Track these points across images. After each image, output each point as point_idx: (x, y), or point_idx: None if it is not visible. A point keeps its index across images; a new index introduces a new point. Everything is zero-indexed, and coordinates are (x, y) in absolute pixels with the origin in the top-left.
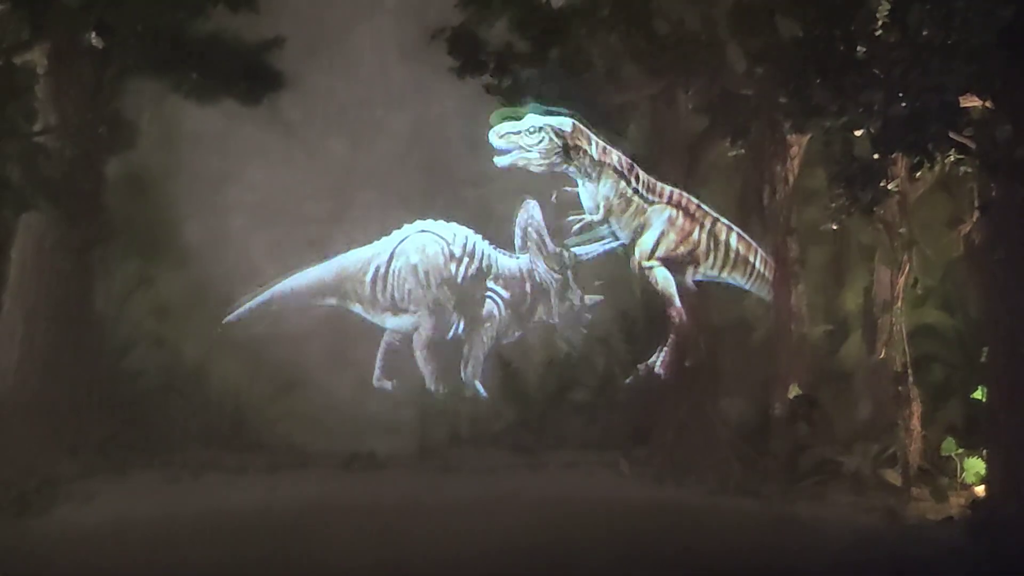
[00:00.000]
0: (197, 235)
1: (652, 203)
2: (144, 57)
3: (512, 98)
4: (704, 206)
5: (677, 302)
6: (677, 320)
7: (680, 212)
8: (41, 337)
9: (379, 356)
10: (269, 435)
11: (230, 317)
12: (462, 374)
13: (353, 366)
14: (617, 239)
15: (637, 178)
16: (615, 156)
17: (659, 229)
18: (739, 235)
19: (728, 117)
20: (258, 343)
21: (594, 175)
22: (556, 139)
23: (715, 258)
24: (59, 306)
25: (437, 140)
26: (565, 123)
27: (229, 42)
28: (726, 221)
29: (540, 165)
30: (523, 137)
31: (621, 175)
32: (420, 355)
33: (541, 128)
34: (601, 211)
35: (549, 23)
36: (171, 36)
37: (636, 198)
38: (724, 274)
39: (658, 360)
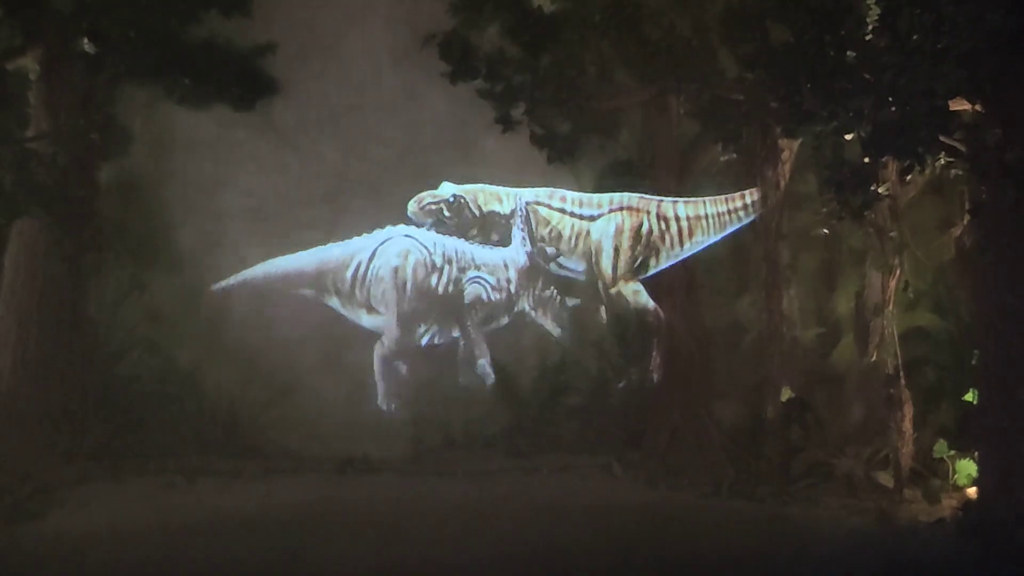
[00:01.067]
0: (190, 240)
1: (593, 218)
2: (136, 63)
3: (504, 102)
4: (646, 195)
5: (651, 304)
6: (656, 323)
7: (623, 213)
8: (34, 343)
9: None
10: (263, 440)
11: (215, 286)
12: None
13: (347, 371)
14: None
15: (564, 199)
16: (531, 193)
17: (610, 248)
18: (685, 201)
19: (719, 122)
20: (252, 348)
21: (513, 219)
22: (473, 208)
23: (670, 237)
24: (52, 312)
25: (429, 145)
26: (477, 191)
27: (222, 48)
28: (671, 198)
29: (461, 232)
30: (443, 208)
31: (540, 203)
32: (378, 367)
33: (459, 197)
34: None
35: (541, 28)
36: (163, 42)
37: (570, 218)
38: (686, 247)
39: (651, 364)
